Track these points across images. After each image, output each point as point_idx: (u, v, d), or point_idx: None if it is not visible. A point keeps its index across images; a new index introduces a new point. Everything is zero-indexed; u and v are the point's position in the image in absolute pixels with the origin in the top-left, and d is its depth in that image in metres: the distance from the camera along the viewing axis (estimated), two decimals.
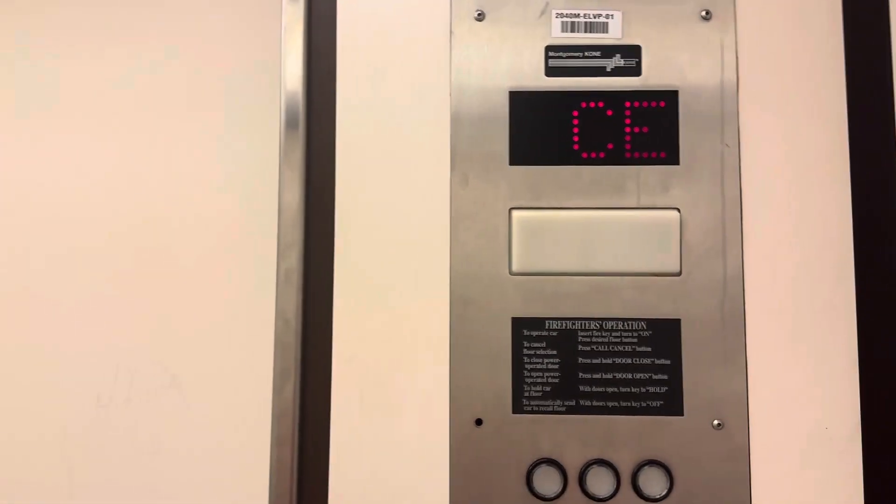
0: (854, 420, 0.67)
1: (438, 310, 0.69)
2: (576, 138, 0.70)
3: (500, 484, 0.67)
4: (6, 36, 0.81)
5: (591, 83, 0.70)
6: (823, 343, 0.68)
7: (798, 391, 0.67)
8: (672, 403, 0.67)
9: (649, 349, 0.68)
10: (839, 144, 0.70)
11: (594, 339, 0.68)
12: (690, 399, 0.67)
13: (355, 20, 0.72)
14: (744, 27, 0.71)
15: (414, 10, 0.72)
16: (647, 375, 0.68)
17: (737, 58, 0.70)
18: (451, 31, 0.71)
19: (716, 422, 0.67)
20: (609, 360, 0.68)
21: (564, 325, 0.68)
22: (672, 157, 0.69)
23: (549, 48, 0.71)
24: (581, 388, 0.68)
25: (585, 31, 0.71)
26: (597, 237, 0.69)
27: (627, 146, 0.69)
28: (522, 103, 0.70)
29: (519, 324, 0.68)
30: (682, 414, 0.67)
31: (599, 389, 0.68)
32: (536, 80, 0.70)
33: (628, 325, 0.68)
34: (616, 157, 0.69)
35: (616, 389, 0.68)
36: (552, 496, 0.67)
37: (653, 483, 0.67)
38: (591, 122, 0.70)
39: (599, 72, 0.70)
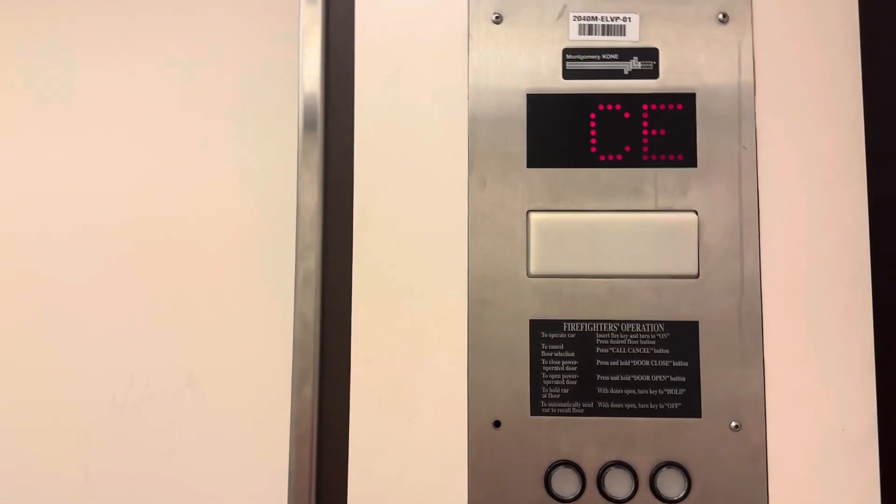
0: (871, 421, 0.67)
1: (456, 311, 0.69)
2: (593, 141, 0.70)
3: (519, 485, 0.67)
4: (32, 40, 0.81)
5: (608, 86, 0.70)
6: (840, 344, 0.68)
7: (815, 393, 0.67)
8: (690, 405, 0.67)
9: (667, 351, 0.68)
10: (855, 146, 0.70)
11: (612, 341, 0.68)
12: (708, 401, 0.67)
13: (373, 22, 0.72)
14: (761, 30, 0.71)
15: (431, 13, 0.72)
16: (664, 377, 0.68)
17: (754, 60, 0.71)
18: (468, 34, 0.72)
19: (733, 423, 0.67)
20: (627, 362, 0.68)
21: (582, 327, 0.68)
22: (689, 160, 0.69)
23: (566, 51, 0.71)
24: (599, 389, 0.68)
25: (603, 34, 0.71)
26: (614, 239, 0.69)
27: (645, 148, 0.70)
28: (540, 106, 0.70)
29: (537, 326, 0.68)
30: (699, 416, 0.67)
31: (617, 391, 0.68)
32: (554, 82, 0.71)
33: (646, 327, 0.68)
34: (633, 160, 0.70)
35: (634, 391, 0.68)
36: (570, 498, 0.67)
37: (671, 485, 0.67)
38: (608, 124, 0.70)
39: (617, 74, 0.71)
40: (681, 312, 0.68)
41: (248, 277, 0.76)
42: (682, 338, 0.68)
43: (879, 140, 0.70)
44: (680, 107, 0.70)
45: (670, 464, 0.67)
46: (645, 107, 0.70)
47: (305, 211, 0.71)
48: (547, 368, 0.68)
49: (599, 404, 0.68)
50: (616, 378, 0.68)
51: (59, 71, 0.80)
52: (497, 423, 0.68)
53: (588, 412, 0.68)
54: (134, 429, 0.76)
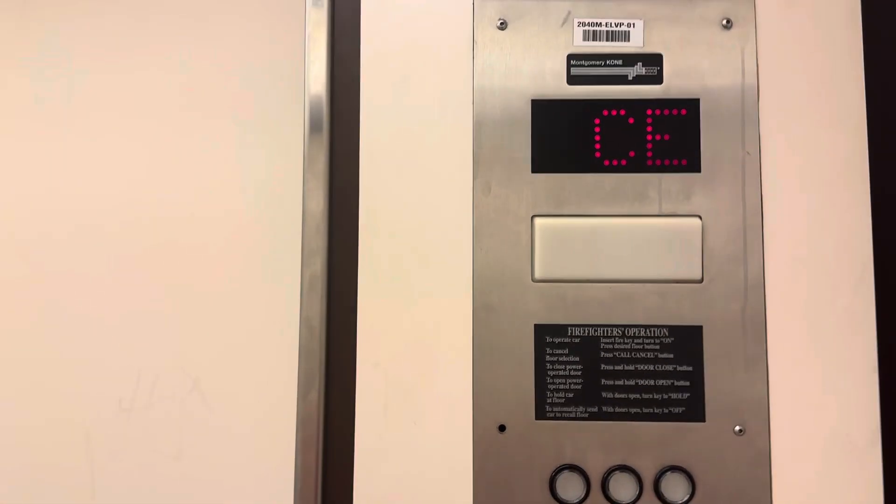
0: (874, 425, 0.67)
1: (461, 316, 0.69)
2: (598, 146, 0.70)
3: (524, 490, 0.67)
4: (37, 42, 0.81)
5: (612, 91, 0.71)
6: (844, 349, 0.68)
7: (819, 397, 0.68)
8: (694, 409, 0.68)
9: (671, 356, 0.68)
10: (859, 151, 0.70)
11: (616, 346, 0.69)
12: (712, 405, 0.68)
13: (378, 28, 0.73)
14: (764, 35, 0.71)
15: (437, 19, 0.72)
16: (669, 382, 0.68)
17: (757, 65, 0.71)
18: (473, 40, 0.72)
19: (737, 428, 0.67)
20: (631, 367, 0.68)
21: (587, 331, 0.69)
22: (693, 165, 0.70)
23: (570, 57, 0.71)
24: (603, 394, 0.68)
25: (607, 40, 0.71)
26: (619, 244, 0.69)
27: (649, 154, 0.70)
28: (544, 111, 0.71)
29: (542, 330, 0.69)
30: (703, 420, 0.68)
31: (622, 396, 0.68)
32: (558, 88, 0.71)
33: (650, 331, 0.69)
34: (638, 165, 0.70)
35: (638, 396, 0.68)
36: (575, 502, 0.67)
37: (675, 489, 0.67)
38: (612, 129, 0.70)
39: (621, 80, 0.71)
40: (685, 317, 0.69)
41: (255, 282, 0.76)
42: (686, 342, 0.68)
43: (882, 145, 0.70)
44: (684, 112, 0.70)
45: (675, 468, 0.67)
46: (649, 112, 0.70)
47: (311, 216, 0.71)
48: (552, 373, 0.68)
49: (604, 408, 0.68)
50: (620, 382, 0.68)
51: (66, 74, 0.80)
52: (502, 428, 0.68)
53: (593, 416, 0.68)
54: (140, 432, 0.76)
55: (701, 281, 0.69)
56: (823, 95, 0.71)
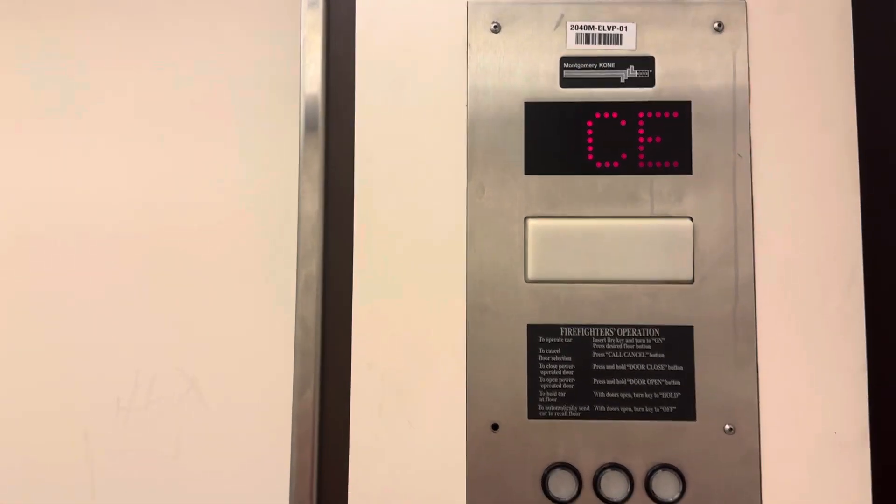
0: (863, 424, 0.68)
1: (455, 316, 0.70)
2: (590, 148, 0.71)
3: (516, 487, 0.68)
4: (33, 44, 0.82)
5: (605, 94, 0.71)
6: (833, 349, 0.69)
7: (808, 396, 0.69)
8: (685, 409, 0.68)
9: (662, 355, 0.69)
10: (849, 153, 0.71)
11: (608, 346, 0.69)
12: (703, 404, 0.68)
13: (373, 31, 0.73)
14: (755, 38, 0.72)
15: (431, 22, 0.73)
16: (660, 381, 0.69)
17: (748, 68, 0.72)
18: (467, 43, 0.73)
19: (728, 426, 0.68)
20: (623, 367, 0.69)
21: (579, 331, 0.69)
22: (685, 167, 0.70)
23: (563, 59, 0.72)
24: (595, 393, 0.69)
25: (600, 43, 0.72)
26: (611, 245, 0.70)
27: (641, 156, 0.71)
28: (538, 114, 0.71)
29: (534, 330, 0.70)
30: (694, 419, 0.68)
31: (613, 395, 0.69)
32: (551, 90, 0.72)
33: (642, 331, 0.69)
34: (630, 167, 0.71)
35: (630, 395, 0.69)
36: (567, 500, 0.68)
37: (666, 487, 0.68)
38: (605, 132, 0.71)
39: (613, 83, 0.71)
40: (676, 317, 0.69)
41: (251, 282, 0.77)
42: (677, 342, 0.69)
43: (873, 147, 0.71)
44: (675, 114, 0.71)
45: (665, 466, 0.68)
46: (641, 114, 0.71)
47: (306, 218, 0.72)
48: (544, 372, 0.69)
49: (596, 408, 0.69)
50: (612, 382, 0.69)
51: (63, 74, 0.81)
52: (495, 426, 0.69)
53: (585, 415, 0.69)
54: (138, 431, 0.77)
55: (692, 282, 0.70)
56: (814, 98, 0.71)
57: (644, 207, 0.70)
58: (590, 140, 0.71)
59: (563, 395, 0.69)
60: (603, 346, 0.69)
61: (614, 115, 0.71)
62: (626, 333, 0.69)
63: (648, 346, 0.69)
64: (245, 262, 0.77)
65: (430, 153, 0.72)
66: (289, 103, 0.76)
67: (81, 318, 0.78)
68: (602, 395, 0.69)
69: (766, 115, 0.71)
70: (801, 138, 0.71)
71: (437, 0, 0.73)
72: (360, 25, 0.74)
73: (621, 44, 0.72)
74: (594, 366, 0.69)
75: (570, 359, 0.69)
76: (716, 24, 0.72)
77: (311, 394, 0.71)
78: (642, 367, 0.69)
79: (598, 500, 0.68)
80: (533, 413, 0.69)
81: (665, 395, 0.69)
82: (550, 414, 0.69)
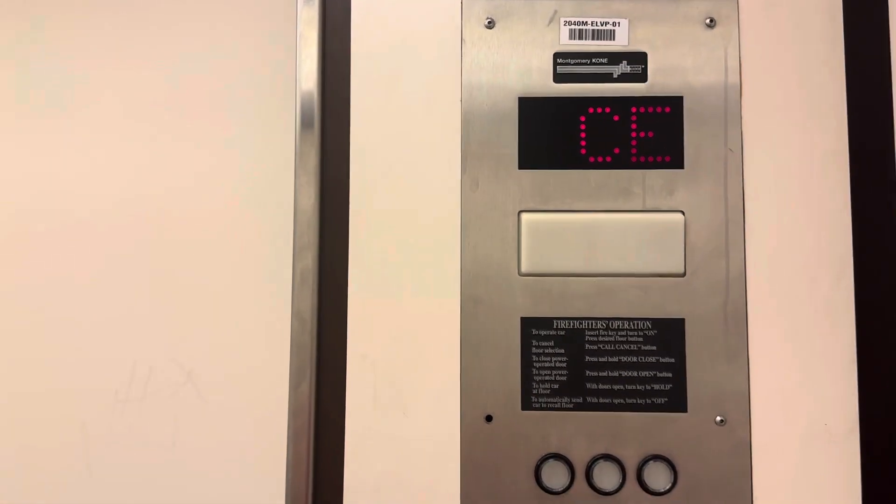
0: (852, 416, 0.69)
1: (450, 309, 0.71)
2: (583, 143, 0.72)
3: (510, 478, 0.69)
4: (29, 42, 0.82)
5: (598, 89, 0.72)
6: (823, 341, 0.70)
7: (798, 388, 0.69)
8: (676, 400, 0.69)
9: (654, 348, 0.70)
10: (839, 148, 0.72)
11: (601, 338, 0.70)
12: (694, 396, 0.69)
13: (368, 27, 0.74)
14: (747, 34, 0.73)
15: (426, 18, 0.74)
16: (652, 373, 0.70)
17: (740, 64, 0.72)
18: (461, 38, 0.73)
19: (718, 418, 0.69)
20: (615, 359, 0.70)
21: (572, 324, 0.70)
22: (677, 161, 0.71)
23: (557, 55, 0.73)
24: (588, 385, 0.70)
25: (593, 39, 0.73)
26: (603, 239, 0.71)
27: (633, 150, 0.71)
28: (531, 109, 0.72)
29: (528, 323, 0.70)
30: (685, 410, 0.69)
31: (606, 387, 0.70)
32: (545, 86, 0.72)
33: (634, 324, 0.70)
34: (622, 161, 0.71)
35: (622, 387, 0.70)
36: (560, 490, 0.69)
37: (657, 477, 0.69)
38: (598, 127, 0.72)
39: (606, 78, 0.72)
40: (668, 310, 0.70)
41: (247, 276, 0.78)
42: (668, 335, 0.70)
43: (862, 142, 0.72)
44: (668, 109, 0.72)
45: (657, 457, 0.69)
46: (633, 109, 0.72)
47: (302, 212, 0.73)
48: (537, 364, 0.70)
49: (588, 399, 0.70)
50: (604, 374, 0.70)
51: (60, 71, 0.81)
52: (489, 418, 0.70)
53: (577, 407, 0.70)
54: (135, 423, 0.77)
55: (683, 275, 0.70)
56: (805, 94, 0.72)
57: (636, 201, 0.71)
58: (583, 135, 0.72)
59: (556, 386, 0.70)
60: (595, 339, 0.70)
61: (607, 110, 0.72)
62: (618, 326, 0.70)
63: (640, 339, 0.70)
64: (242, 256, 0.78)
65: (424, 148, 0.72)
66: (285, 99, 0.77)
67: (79, 311, 0.79)
68: (594, 386, 0.70)
69: (757, 111, 0.72)
70: (791, 133, 0.71)
71: None
72: (355, 21, 0.74)
73: (614, 39, 0.72)
74: (587, 358, 0.70)
75: (563, 351, 0.70)
76: (708, 20, 0.72)
77: (307, 386, 0.71)
78: (634, 359, 0.70)
79: (591, 490, 0.69)
80: (526, 405, 0.70)
81: (657, 386, 0.70)
82: (543, 405, 0.70)
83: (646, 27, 0.72)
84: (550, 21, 0.73)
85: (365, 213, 0.72)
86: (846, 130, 0.71)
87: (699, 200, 0.71)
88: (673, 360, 0.70)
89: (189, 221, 0.78)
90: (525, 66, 0.73)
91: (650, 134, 0.71)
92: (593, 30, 0.73)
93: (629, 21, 0.73)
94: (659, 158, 0.71)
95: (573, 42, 0.73)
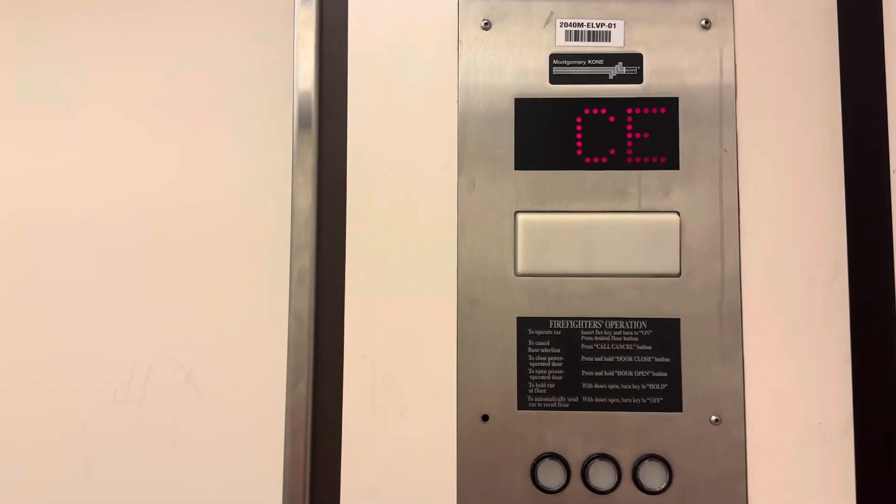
0: (847, 415, 0.69)
1: (446, 309, 0.71)
2: (579, 144, 0.72)
3: (506, 477, 0.69)
4: (29, 42, 0.82)
5: (594, 90, 0.72)
6: (818, 341, 0.70)
7: (793, 388, 0.70)
8: (671, 400, 0.70)
9: (650, 348, 0.70)
10: (834, 149, 0.72)
11: (596, 338, 0.70)
12: (689, 396, 0.70)
13: (365, 28, 0.74)
14: (742, 36, 0.73)
15: (423, 19, 0.74)
16: (647, 373, 0.70)
17: (735, 65, 0.73)
18: (458, 40, 0.74)
19: (714, 417, 0.69)
20: (611, 359, 0.70)
21: (568, 324, 0.71)
22: (672, 162, 0.72)
23: (553, 56, 0.73)
24: (584, 385, 0.70)
25: (589, 40, 0.73)
26: (599, 239, 0.71)
27: (629, 151, 0.72)
28: (527, 110, 0.72)
29: (524, 323, 0.71)
30: (681, 410, 0.70)
31: (601, 386, 0.70)
32: (541, 87, 0.73)
33: (629, 324, 0.70)
34: (618, 162, 0.72)
35: (617, 386, 0.70)
36: (556, 489, 0.69)
37: (653, 476, 0.69)
38: (594, 128, 0.72)
39: (602, 79, 0.73)
40: (663, 310, 0.70)
41: (245, 276, 0.78)
42: (664, 335, 0.70)
43: (857, 143, 0.72)
44: (663, 110, 0.72)
45: (652, 456, 0.69)
46: (629, 110, 0.72)
47: (300, 212, 0.73)
48: (533, 364, 0.70)
49: (584, 399, 0.70)
50: (600, 374, 0.70)
51: (58, 71, 0.82)
52: (485, 417, 0.70)
53: (573, 406, 0.70)
54: (134, 423, 0.78)
55: (679, 275, 0.71)
56: (800, 95, 0.72)
57: (632, 202, 0.71)
58: (579, 136, 0.72)
59: (551, 386, 0.70)
60: (591, 339, 0.70)
61: (603, 111, 0.72)
62: (613, 326, 0.71)
63: (636, 339, 0.70)
64: (239, 256, 0.78)
65: (421, 148, 0.73)
66: (282, 99, 0.77)
67: (78, 311, 0.79)
68: (590, 386, 0.70)
69: (752, 111, 0.72)
70: (786, 134, 0.72)
71: None
72: (352, 22, 0.75)
73: (610, 41, 0.73)
74: (582, 358, 0.70)
75: (558, 351, 0.70)
76: (703, 22, 0.73)
77: (305, 385, 0.72)
78: (630, 359, 0.70)
79: (587, 489, 0.69)
80: (522, 404, 0.70)
81: (652, 386, 0.70)
82: (539, 405, 0.70)
83: (641, 28, 0.73)
84: (547, 22, 0.73)
85: (362, 213, 0.73)
86: (841, 130, 0.72)
87: (695, 201, 0.71)
88: (668, 360, 0.70)
89: (187, 221, 0.79)
90: (521, 67, 0.73)
91: (646, 135, 0.72)
92: (589, 31, 0.73)
93: (625, 22, 0.73)
94: (654, 159, 0.72)
95: (569, 43, 0.73)
